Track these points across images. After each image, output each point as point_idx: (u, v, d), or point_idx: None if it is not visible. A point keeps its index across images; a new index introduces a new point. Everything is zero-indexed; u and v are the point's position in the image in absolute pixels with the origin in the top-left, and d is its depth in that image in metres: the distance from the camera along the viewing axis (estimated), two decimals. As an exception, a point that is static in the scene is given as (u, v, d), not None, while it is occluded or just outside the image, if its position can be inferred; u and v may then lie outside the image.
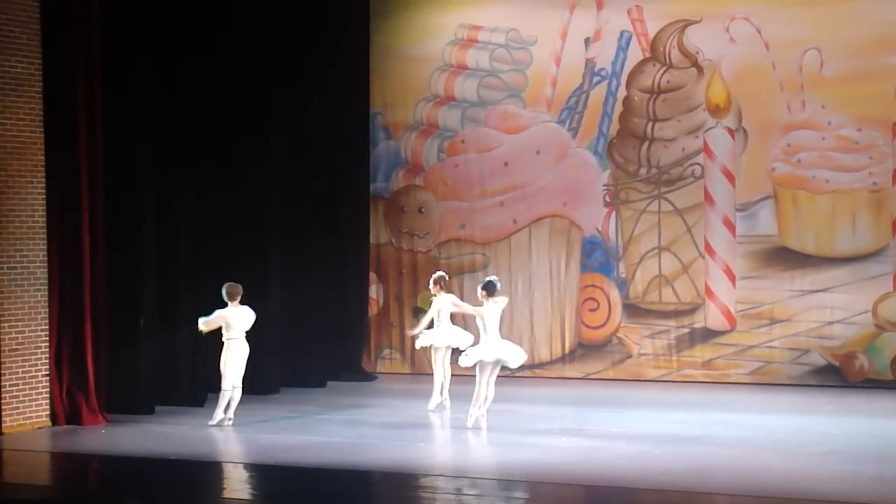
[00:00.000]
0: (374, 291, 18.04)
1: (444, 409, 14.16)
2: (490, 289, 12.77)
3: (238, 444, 12.27)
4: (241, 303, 13.39)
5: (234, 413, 13.28)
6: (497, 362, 12.70)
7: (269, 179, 16.07)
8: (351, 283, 17.46)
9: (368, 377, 17.35)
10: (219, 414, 13.20)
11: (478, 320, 12.78)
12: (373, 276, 18.01)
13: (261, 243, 15.93)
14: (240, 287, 13.41)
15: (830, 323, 15.99)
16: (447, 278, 14.39)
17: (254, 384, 15.47)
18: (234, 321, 13.27)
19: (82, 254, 13.30)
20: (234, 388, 13.29)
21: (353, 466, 11.02)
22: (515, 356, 12.78)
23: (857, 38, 15.82)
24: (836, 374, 15.94)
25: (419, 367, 17.77)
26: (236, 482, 10.78)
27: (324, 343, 16.62)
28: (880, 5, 15.79)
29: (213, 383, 14.91)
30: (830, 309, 15.99)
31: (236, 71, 15.68)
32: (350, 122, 17.45)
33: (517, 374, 17.17)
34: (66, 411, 13.30)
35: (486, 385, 12.75)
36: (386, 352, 18.06)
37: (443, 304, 14.19)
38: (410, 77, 17.92)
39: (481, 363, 12.68)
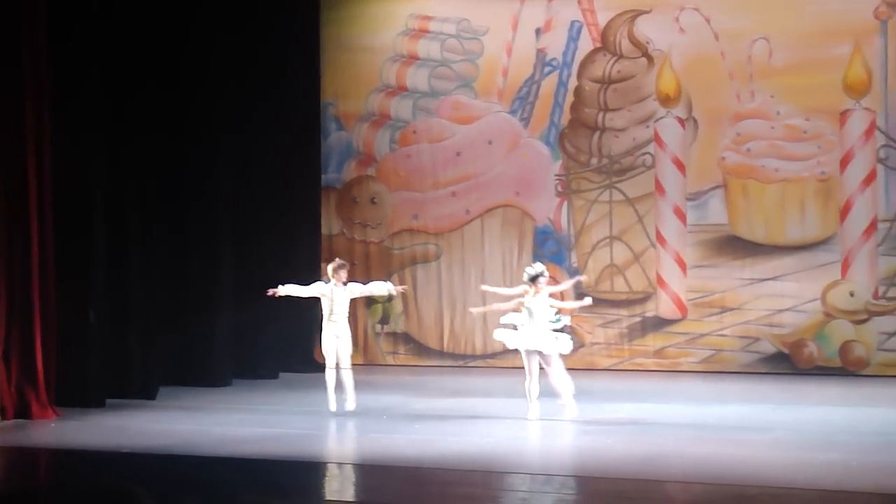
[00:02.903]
0: (327, 282, 17.98)
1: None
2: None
3: (191, 437, 12.20)
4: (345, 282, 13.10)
5: (353, 398, 13.03)
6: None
7: (220, 171, 15.98)
8: (303, 274, 17.33)
9: (321, 368, 17.27)
10: (330, 400, 12.96)
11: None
12: (325, 266, 17.93)
13: (212, 235, 15.85)
14: (346, 264, 13.26)
15: (780, 311, 16.12)
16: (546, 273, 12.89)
17: (206, 376, 15.46)
18: (335, 299, 13.10)
19: (31, 248, 13.15)
20: (339, 368, 13.04)
21: (307, 458, 11.00)
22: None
23: (805, 28, 15.95)
24: (786, 362, 16.08)
25: (371, 357, 17.78)
26: (188, 475, 10.72)
27: (276, 334, 16.57)
28: (827, -5, 15.93)
29: (165, 375, 14.86)
30: (780, 297, 16.12)
31: (187, 64, 15.59)
32: (301, 112, 17.39)
33: (470, 365, 17.24)
34: (15, 405, 13.18)
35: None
36: (339, 343, 17.99)
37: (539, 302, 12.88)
38: (362, 67, 17.88)
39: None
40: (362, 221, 17.96)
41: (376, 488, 9.99)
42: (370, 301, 17.75)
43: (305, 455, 11.10)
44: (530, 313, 12.62)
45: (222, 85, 15.94)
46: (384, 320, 17.81)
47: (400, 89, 17.78)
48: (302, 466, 10.68)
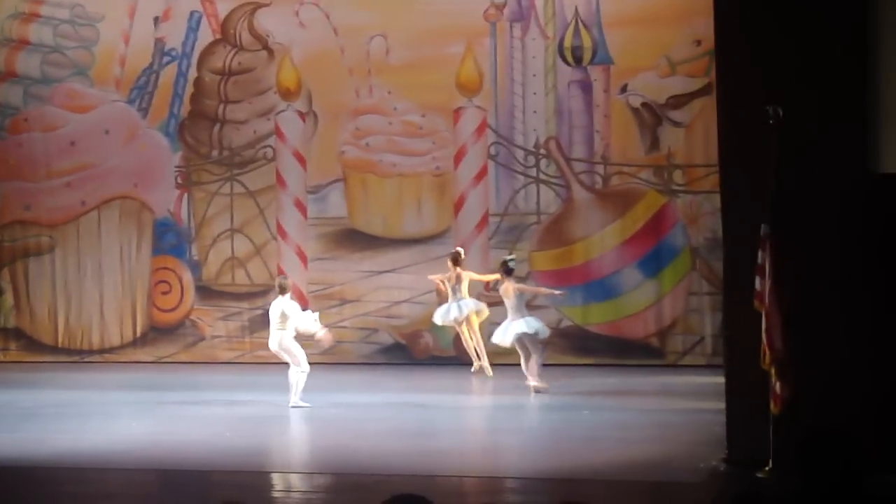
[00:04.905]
0: (-70, 277, 17.02)
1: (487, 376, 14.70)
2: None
3: None
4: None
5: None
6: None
7: None
8: None
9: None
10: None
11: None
12: (-73, 262, 16.98)
13: None
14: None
15: (398, 303, 16.51)
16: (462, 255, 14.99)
17: None
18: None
19: None
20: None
21: None
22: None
23: (420, 27, 16.39)
24: (404, 352, 16.48)
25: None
26: None
27: None
28: (438, -4, 16.42)
29: None
30: (397, 289, 16.50)
31: None
32: None
33: (86, 360, 16.74)
34: None
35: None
36: (-54, 340, 17.11)
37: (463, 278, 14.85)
38: (-32, 51, 17.03)
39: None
40: (-31, 213, 17.11)
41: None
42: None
43: None
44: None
45: None
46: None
47: (9, 75, 17.04)
48: None
